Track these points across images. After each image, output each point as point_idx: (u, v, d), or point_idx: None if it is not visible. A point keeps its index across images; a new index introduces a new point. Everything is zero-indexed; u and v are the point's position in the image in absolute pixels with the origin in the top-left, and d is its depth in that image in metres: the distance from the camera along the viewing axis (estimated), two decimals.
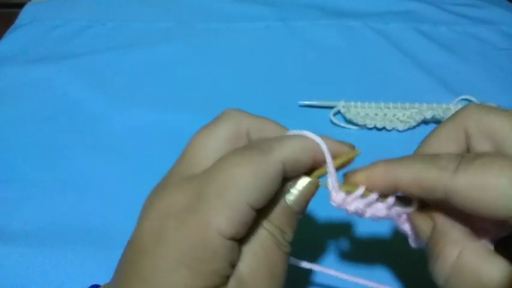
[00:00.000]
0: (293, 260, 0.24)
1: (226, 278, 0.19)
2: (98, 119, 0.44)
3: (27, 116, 0.45)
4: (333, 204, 0.22)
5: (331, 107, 0.45)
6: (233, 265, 0.19)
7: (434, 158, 0.20)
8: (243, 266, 0.19)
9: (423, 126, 0.45)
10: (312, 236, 0.34)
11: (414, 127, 0.44)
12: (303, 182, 0.22)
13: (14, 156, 0.40)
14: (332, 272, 0.25)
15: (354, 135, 0.44)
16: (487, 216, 0.18)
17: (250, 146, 0.21)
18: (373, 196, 0.22)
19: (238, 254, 0.19)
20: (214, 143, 0.21)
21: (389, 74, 0.51)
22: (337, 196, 0.22)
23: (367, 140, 0.43)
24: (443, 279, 0.20)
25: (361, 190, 0.22)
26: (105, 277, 0.24)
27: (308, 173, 0.22)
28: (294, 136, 0.22)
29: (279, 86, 0.49)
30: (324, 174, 0.22)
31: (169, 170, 0.22)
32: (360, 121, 0.44)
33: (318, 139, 0.22)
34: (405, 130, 0.44)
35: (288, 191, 0.21)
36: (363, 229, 0.34)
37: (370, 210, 0.23)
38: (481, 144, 0.21)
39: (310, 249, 0.33)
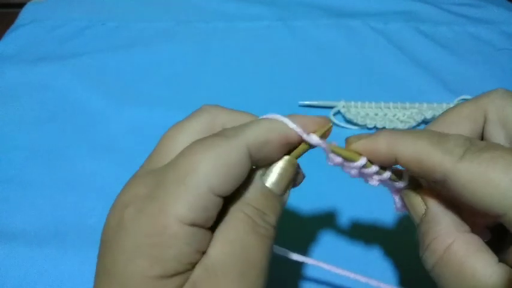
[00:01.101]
0: (280, 250, 0.24)
1: (191, 265, 0.18)
2: (98, 119, 0.44)
3: (27, 116, 0.45)
4: (330, 164, 0.22)
5: (331, 107, 0.45)
6: (200, 252, 0.18)
7: (441, 138, 0.20)
8: (213, 252, 0.18)
9: (423, 126, 0.45)
10: (303, 228, 0.34)
11: (414, 127, 0.44)
12: (279, 162, 0.21)
13: (14, 156, 0.40)
14: (323, 265, 0.25)
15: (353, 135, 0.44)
16: (481, 208, 0.18)
17: (215, 133, 0.20)
18: (374, 169, 0.22)
19: (205, 240, 0.19)
20: (185, 136, 0.21)
21: (390, 74, 0.51)
22: (335, 160, 0.22)
23: None
24: (431, 265, 0.20)
25: (362, 161, 0.22)
26: None
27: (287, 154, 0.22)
28: (260, 120, 0.21)
29: (279, 86, 0.49)
30: (303, 153, 0.22)
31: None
32: (360, 121, 0.44)
33: (284, 118, 0.21)
34: None
35: (265, 173, 0.21)
36: (356, 220, 0.34)
37: (364, 176, 0.23)
38: (496, 132, 0.21)
39: (301, 242, 0.33)
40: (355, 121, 0.44)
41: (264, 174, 0.21)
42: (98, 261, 0.19)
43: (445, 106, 0.45)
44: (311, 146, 0.22)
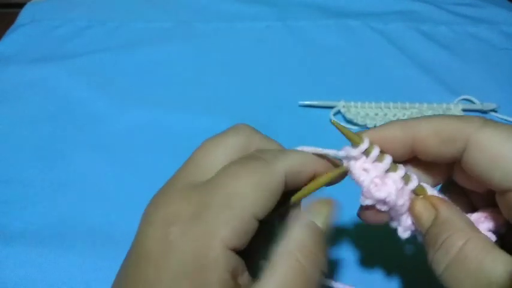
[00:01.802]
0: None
1: None
2: (98, 119, 0.44)
3: (27, 116, 0.45)
4: (364, 202, 0.22)
5: (331, 107, 0.45)
6: (235, 277, 0.18)
7: (456, 115, 0.21)
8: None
9: None
10: None
11: None
12: (327, 200, 0.21)
13: (14, 156, 0.40)
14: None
15: None
16: (497, 179, 0.19)
17: (254, 155, 0.21)
18: (388, 160, 0.22)
19: (237, 263, 0.19)
20: (222, 153, 0.21)
21: (390, 74, 0.51)
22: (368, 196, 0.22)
23: None
24: (444, 266, 0.20)
25: (376, 150, 0.22)
26: (105, 277, 0.24)
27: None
28: (295, 150, 0.22)
29: (279, 86, 0.49)
30: (317, 189, 0.22)
31: (174, 174, 0.21)
32: (360, 121, 0.44)
33: (313, 151, 0.22)
34: None
35: (312, 215, 0.21)
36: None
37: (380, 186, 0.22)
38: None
39: None
40: (355, 121, 0.44)
41: (309, 212, 0.21)
42: (131, 271, 0.19)
43: (445, 106, 0.45)
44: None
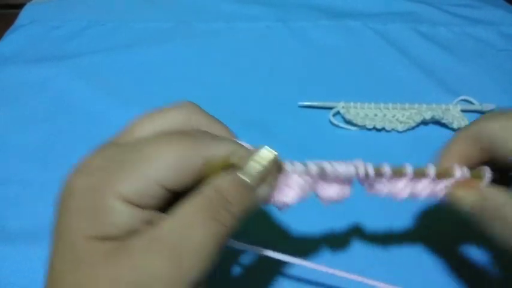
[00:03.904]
0: (243, 246, 0.24)
1: (132, 233, 0.18)
2: (98, 119, 0.44)
3: (27, 116, 0.45)
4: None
5: (331, 108, 0.45)
6: (144, 224, 0.19)
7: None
8: (161, 225, 0.18)
9: (422, 126, 0.45)
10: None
11: (413, 128, 0.44)
12: (259, 152, 0.21)
13: (14, 156, 0.40)
14: (299, 262, 0.25)
15: (353, 135, 0.44)
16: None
17: (184, 131, 0.21)
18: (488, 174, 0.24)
19: (151, 217, 0.19)
20: (158, 124, 0.22)
21: (389, 75, 0.51)
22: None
23: (367, 140, 0.43)
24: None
25: (488, 173, 0.24)
26: None
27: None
28: (231, 140, 0.21)
29: (278, 86, 0.49)
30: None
31: None
32: (359, 122, 0.44)
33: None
34: (404, 131, 0.44)
35: (245, 163, 0.20)
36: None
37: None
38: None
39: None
40: (354, 122, 0.44)
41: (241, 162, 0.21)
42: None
43: (444, 107, 0.45)
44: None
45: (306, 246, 0.33)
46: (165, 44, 0.55)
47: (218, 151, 0.20)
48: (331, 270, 0.25)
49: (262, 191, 0.21)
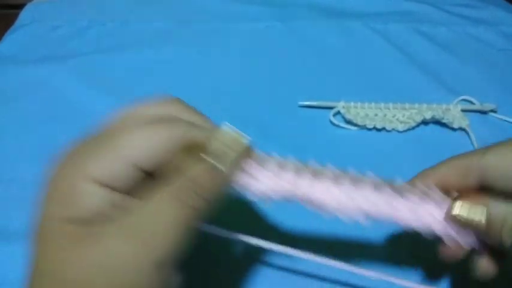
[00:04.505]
0: (215, 230, 0.24)
1: (105, 217, 0.18)
2: (98, 119, 0.44)
3: (27, 116, 0.45)
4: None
5: (331, 108, 0.45)
6: (116, 208, 0.19)
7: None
8: (132, 210, 0.19)
9: (423, 126, 0.45)
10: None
11: (414, 128, 0.44)
12: (228, 135, 0.21)
13: (14, 156, 0.40)
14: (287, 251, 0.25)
15: (353, 135, 0.44)
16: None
17: (163, 118, 0.21)
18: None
19: (124, 200, 0.19)
20: (140, 115, 0.22)
21: (389, 75, 0.51)
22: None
23: (367, 140, 0.43)
24: None
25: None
26: None
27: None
28: (210, 127, 0.22)
29: (278, 87, 0.49)
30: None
31: None
32: (359, 121, 0.44)
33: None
34: (405, 131, 0.44)
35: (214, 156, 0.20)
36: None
37: None
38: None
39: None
40: (354, 121, 0.44)
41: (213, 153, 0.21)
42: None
43: (444, 107, 0.45)
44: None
45: (295, 240, 0.33)
46: (165, 44, 0.55)
47: (191, 134, 0.21)
48: (316, 258, 0.25)
49: (233, 175, 0.22)
